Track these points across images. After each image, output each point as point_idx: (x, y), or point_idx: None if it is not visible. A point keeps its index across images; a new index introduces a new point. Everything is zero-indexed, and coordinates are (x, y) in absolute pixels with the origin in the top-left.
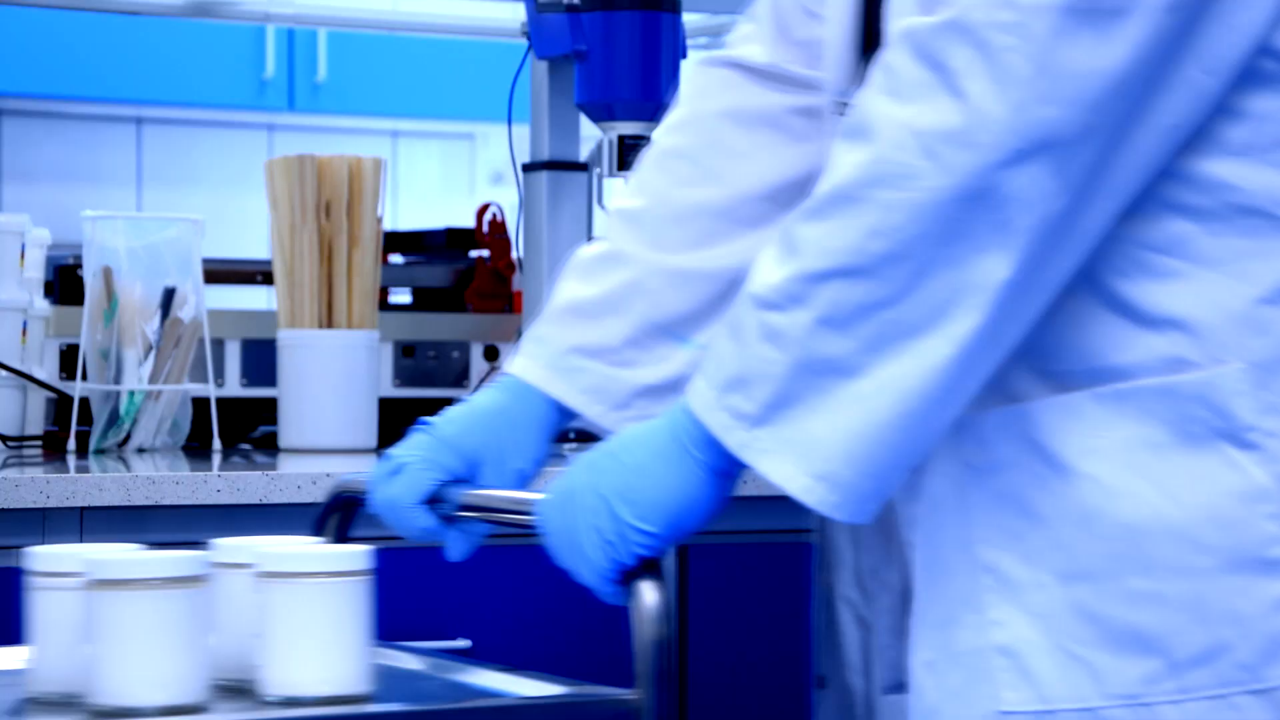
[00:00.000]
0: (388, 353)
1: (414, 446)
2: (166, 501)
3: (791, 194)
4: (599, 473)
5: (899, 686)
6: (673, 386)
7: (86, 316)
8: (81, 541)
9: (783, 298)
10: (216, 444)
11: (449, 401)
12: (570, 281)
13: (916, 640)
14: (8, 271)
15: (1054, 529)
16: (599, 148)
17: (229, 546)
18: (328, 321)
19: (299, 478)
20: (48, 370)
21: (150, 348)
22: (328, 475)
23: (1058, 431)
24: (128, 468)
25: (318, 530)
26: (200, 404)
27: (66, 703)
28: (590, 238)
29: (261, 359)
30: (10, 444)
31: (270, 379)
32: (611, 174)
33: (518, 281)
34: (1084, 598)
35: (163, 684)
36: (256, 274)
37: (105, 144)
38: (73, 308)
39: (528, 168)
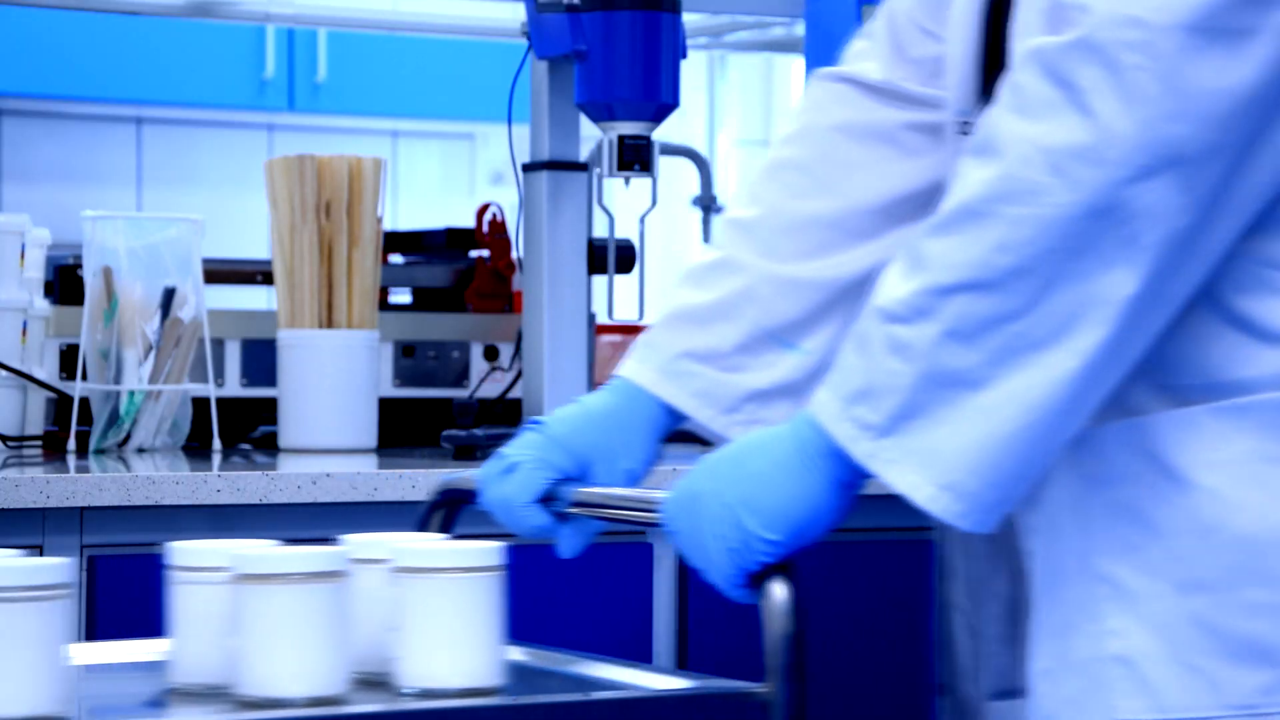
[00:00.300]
0: (388, 353)
1: (526, 445)
2: (166, 501)
3: (904, 208)
4: (723, 480)
5: (1006, 693)
6: (781, 392)
7: (86, 316)
8: (81, 541)
9: (909, 311)
10: (216, 444)
11: (449, 401)
12: (683, 288)
13: (1033, 648)
14: (8, 271)
15: (1172, 540)
16: (599, 148)
17: (363, 542)
18: (328, 321)
19: (299, 478)
20: (48, 370)
21: (150, 348)
22: (328, 475)
23: (1176, 445)
24: (128, 468)
25: (421, 527)
26: (200, 404)
27: (210, 694)
28: (590, 237)
29: (261, 359)
30: (10, 444)
31: (270, 379)
32: (611, 174)
33: (518, 281)
34: (1202, 608)
35: (307, 676)
36: (256, 274)
37: (105, 144)
38: (73, 308)
39: (528, 168)
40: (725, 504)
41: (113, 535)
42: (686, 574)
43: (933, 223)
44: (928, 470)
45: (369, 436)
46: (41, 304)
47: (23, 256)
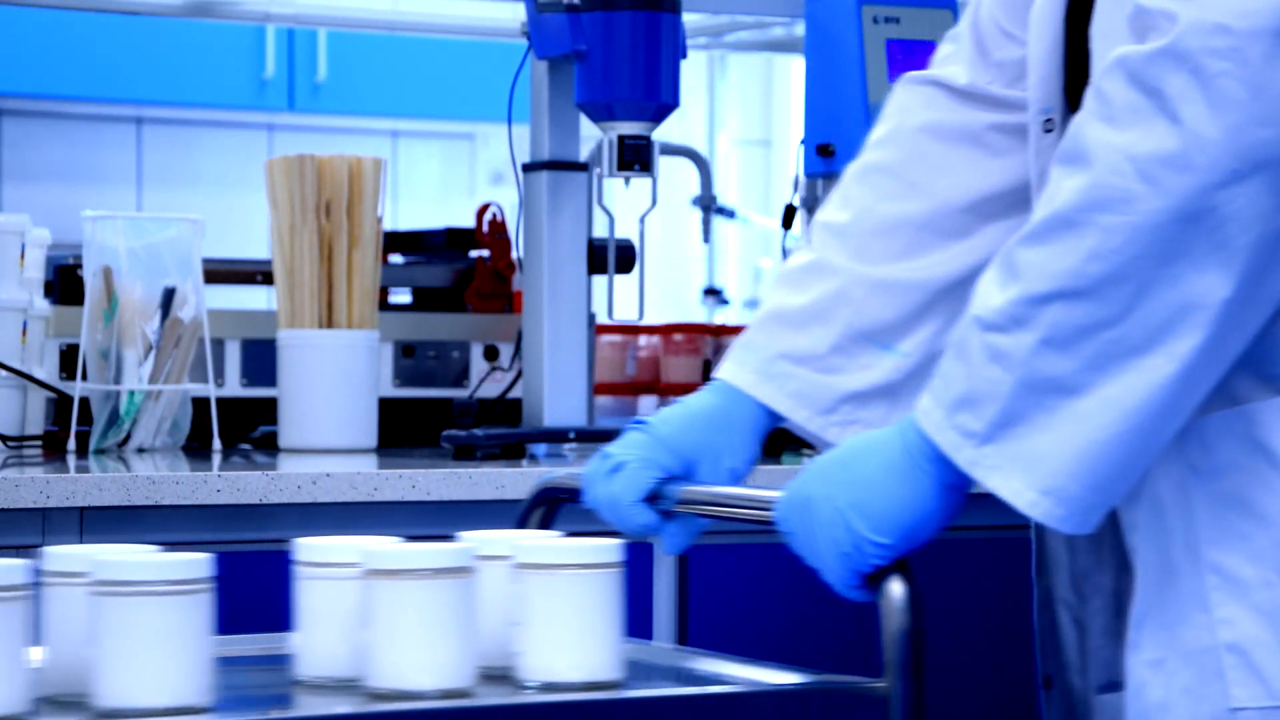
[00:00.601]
0: (388, 353)
1: (631, 445)
2: (166, 501)
3: (992, 207)
4: (833, 484)
5: (1113, 686)
6: (878, 393)
7: (86, 316)
8: (81, 541)
9: (1006, 320)
10: (216, 444)
11: (449, 402)
12: (778, 290)
13: (1140, 640)
14: (8, 271)
15: (1279, 528)
16: (599, 148)
17: (483, 539)
18: (328, 321)
19: (299, 478)
20: (48, 370)
21: (150, 348)
22: (328, 475)
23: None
24: (128, 468)
25: (521, 524)
26: (200, 404)
27: (339, 687)
28: (590, 237)
29: (261, 359)
30: (10, 444)
31: (270, 379)
32: (611, 174)
33: (518, 281)
34: None
35: (436, 669)
36: (256, 274)
37: (105, 144)
38: (73, 308)
39: (528, 168)
40: (836, 508)
41: (113, 535)
42: (686, 571)
43: (1026, 232)
44: (1029, 476)
45: (369, 436)
46: (41, 304)
47: (23, 256)
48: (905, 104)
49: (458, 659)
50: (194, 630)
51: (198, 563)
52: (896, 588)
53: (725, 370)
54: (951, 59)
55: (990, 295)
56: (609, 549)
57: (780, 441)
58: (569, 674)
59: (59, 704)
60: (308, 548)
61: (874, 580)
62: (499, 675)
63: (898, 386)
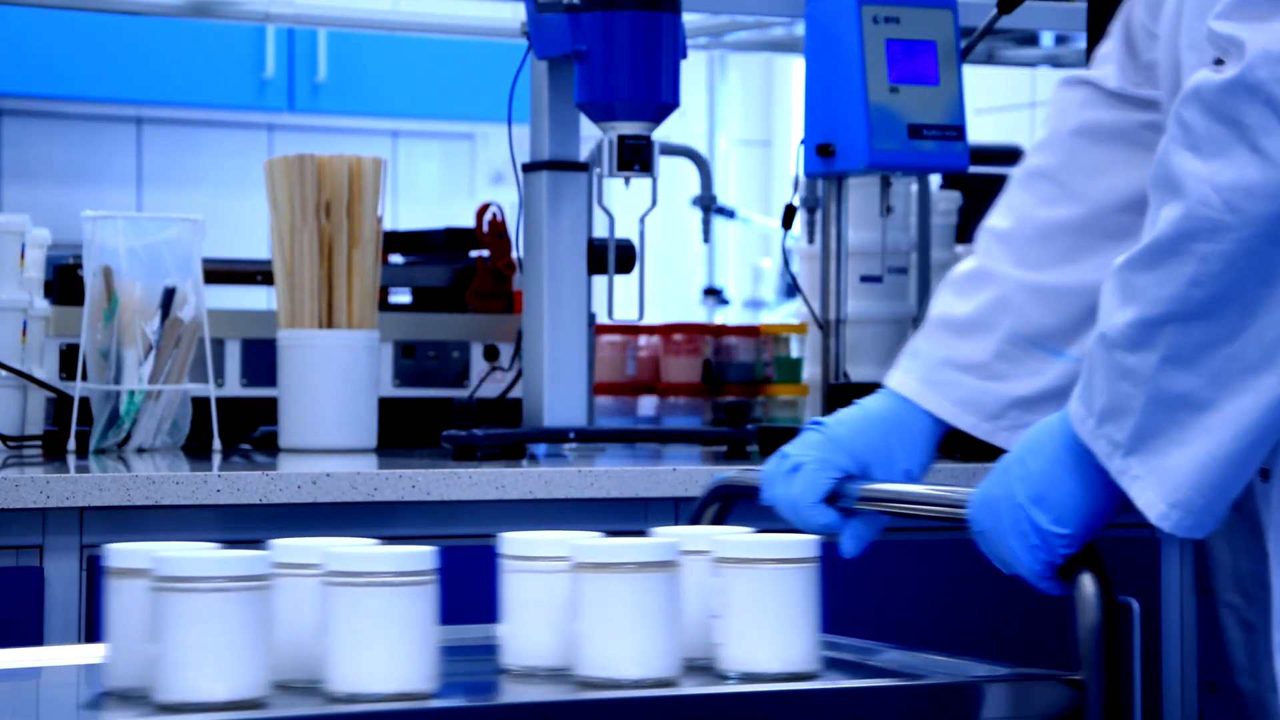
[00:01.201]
0: (388, 353)
1: (809, 446)
2: (166, 501)
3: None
4: (1012, 481)
5: None
6: (1047, 397)
7: (86, 316)
8: (81, 541)
9: (1129, 340)
10: (216, 444)
11: (449, 401)
12: (943, 296)
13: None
14: (8, 271)
15: None
16: (599, 148)
17: (683, 534)
18: (328, 321)
19: (299, 478)
20: (48, 370)
21: (150, 348)
22: (328, 475)
23: None
24: (128, 468)
25: (695, 520)
26: (200, 404)
27: (548, 676)
28: (590, 237)
29: (261, 359)
30: (10, 444)
31: (270, 379)
32: (611, 174)
33: (518, 281)
34: None
35: (643, 658)
36: (256, 274)
37: (105, 144)
38: (73, 308)
39: (528, 168)
40: (1018, 504)
41: (113, 535)
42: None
43: (1134, 257)
44: (1161, 488)
45: (369, 436)
46: (41, 304)
47: (23, 256)
48: (1063, 105)
49: (663, 649)
50: (421, 619)
51: (425, 554)
52: (1088, 585)
53: (894, 378)
54: (1106, 59)
55: (1112, 314)
56: (807, 544)
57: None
58: (769, 665)
59: (290, 690)
60: (515, 542)
61: (1065, 574)
62: (700, 666)
63: (1067, 390)
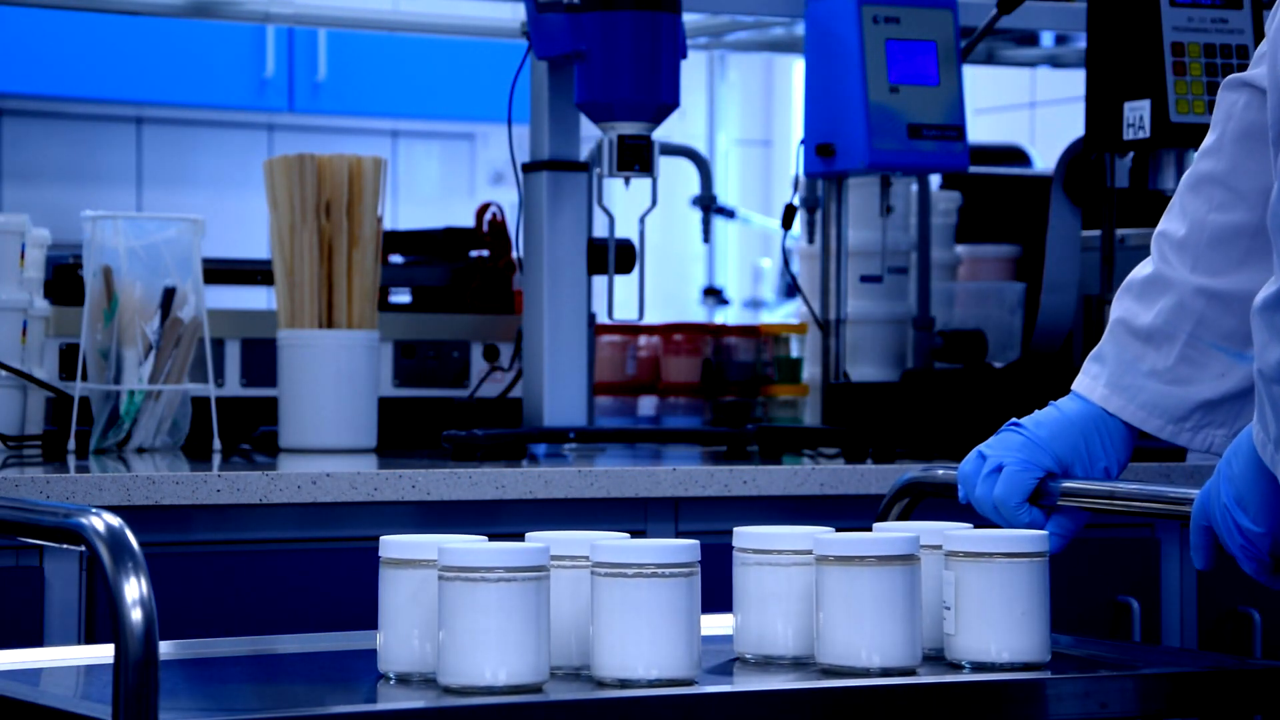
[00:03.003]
0: (388, 353)
1: (1010, 448)
2: (166, 501)
3: None
4: (1221, 481)
5: None
6: (1230, 398)
7: (86, 316)
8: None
9: None
10: (216, 444)
11: (449, 401)
12: (1123, 301)
13: None
14: (8, 271)
15: None
16: (599, 148)
17: (899, 528)
18: (328, 321)
19: (299, 478)
20: (48, 370)
21: (150, 348)
22: (328, 475)
23: None
24: (128, 468)
25: (881, 517)
26: (200, 404)
27: (791, 664)
28: (590, 237)
29: (261, 359)
30: (10, 444)
31: (270, 379)
32: (611, 174)
33: (518, 281)
34: None
35: (884, 648)
36: (256, 274)
37: (105, 144)
38: (73, 308)
39: (528, 168)
40: (1224, 504)
41: None
42: None
43: (1273, 295)
44: None
45: (369, 436)
46: (41, 304)
47: (23, 256)
48: (1226, 108)
49: (904, 639)
50: (686, 608)
51: (688, 547)
52: None
53: (1082, 383)
54: (1261, 58)
55: (1265, 350)
56: (1038, 539)
57: (781, 444)
58: (999, 655)
59: (557, 675)
60: (750, 536)
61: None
62: (931, 656)
63: (1249, 391)
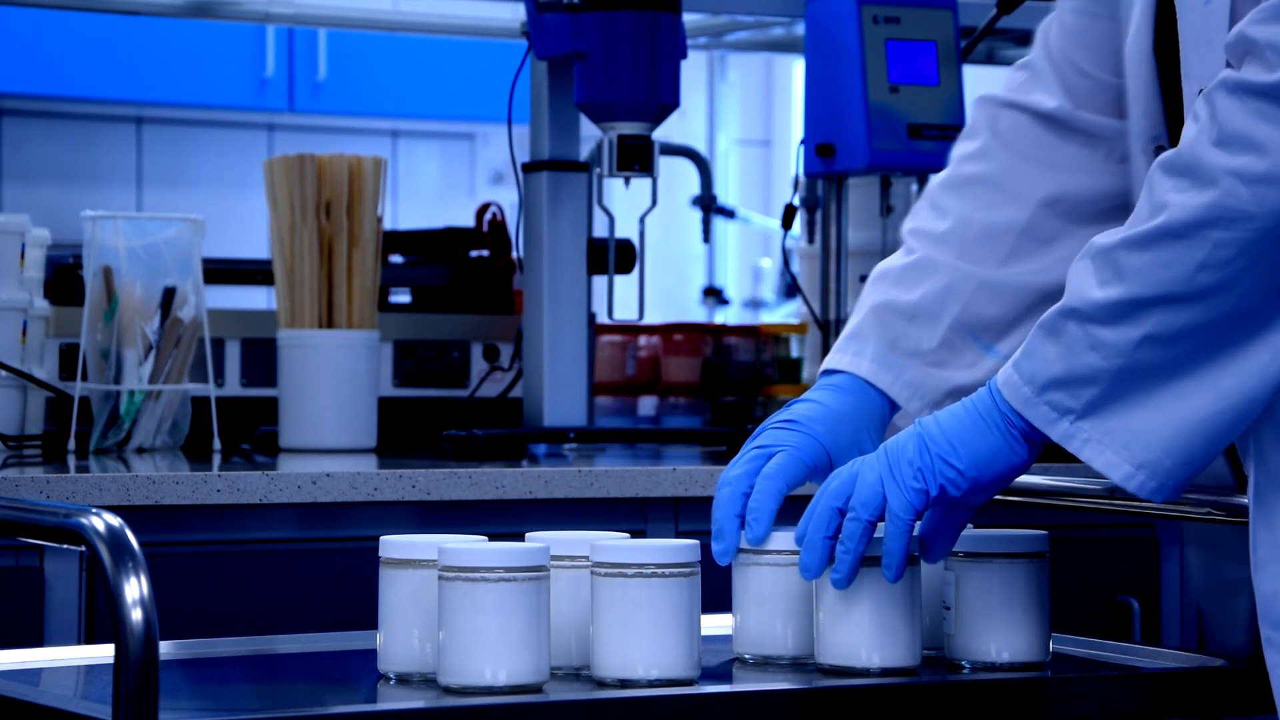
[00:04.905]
0: (388, 353)
1: (781, 441)
2: (166, 501)
3: (1083, 212)
4: (924, 425)
5: None
6: (974, 390)
7: (86, 316)
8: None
9: (1110, 316)
10: (216, 444)
11: (449, 401)
12: (879, 287)
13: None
14: (8, 271)
15: None
16: (599, 148)
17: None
18: (328, 321)
19: (299, 478)
20: (48, 370)
21: (150, 348)
22: (327, 475)
23: None
24: (128, 468)
25: None
26: (200, 404)
27: (795, 664)
28: (590, 237)
29: (261, 359)
30: (10, 444)
31: (270, 379)
32: (611, 174)
33: (518, 281)
34: None
35: (881, 648)
36: (256, 274)
37: (105, 144)
38: (73, 308)
39: (528, 168)
40: (918, 434)
41: None
42: None
43: (1131, 238)
44: (1126, 450)
45: (369, 436)
46: (41, 304)
47: (23, 256)
48: (989, 121)
49: (905, 640)
50: (686, 608)
51: (688, 547)
52: None
53: (840, 360)
54: (1030, 86)
55: (1089, 289)
56: (1038, 539)
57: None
58: (999, 655)
59: (557, 675)
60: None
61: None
62: (931, 656)
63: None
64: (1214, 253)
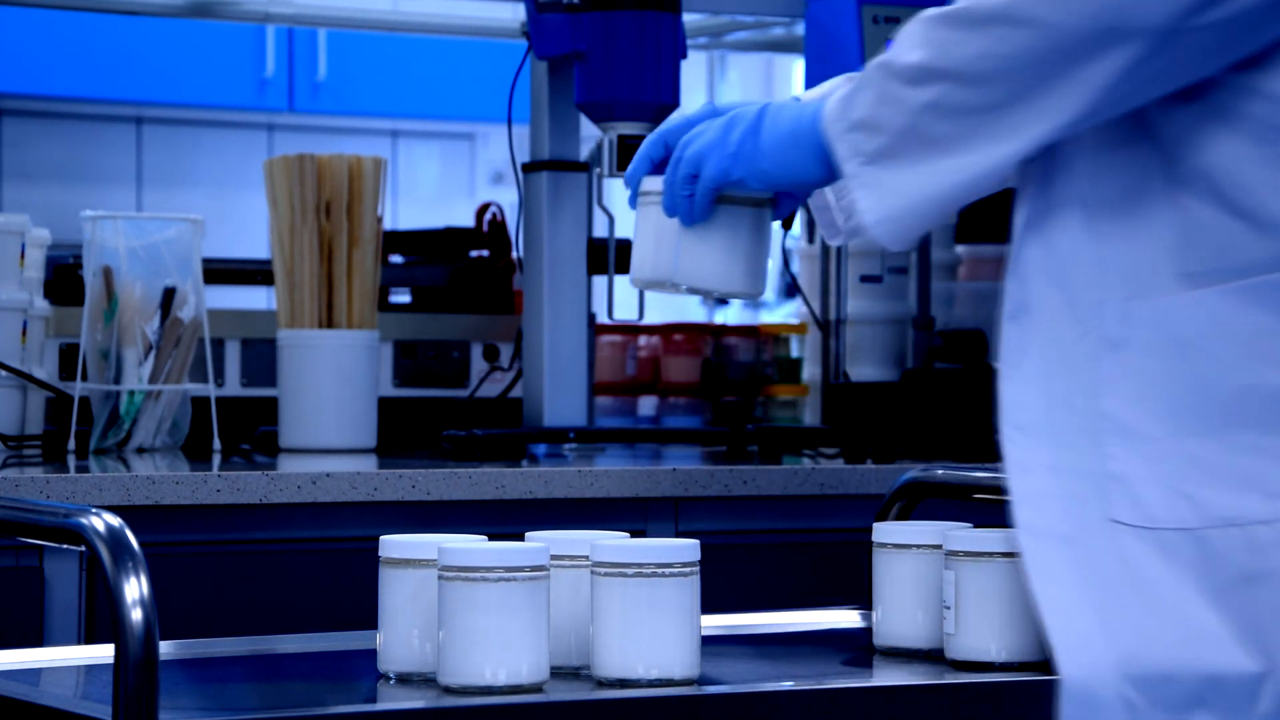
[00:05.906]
0: (388, 353)
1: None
2: (166, 501)
3: None
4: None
5: None
6: None
7: (86, 316)
8: None
9: (908, 76)
10: (216, 444)
11: (449, 401)
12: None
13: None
14: (8, 271)
15: (1178, 396)
16: (599, 148)
17: (924, 528)
18: (328, 321)
19: (299, 478)
20: (48, 370)
21: (150, 348)
22: (327, 475)
23: (1189, 320)
24: (128, 468)
25: (880, 517)
26: (200, 404)
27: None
28: (590, 237)
29: (261, 359)
30: (10, 444)
31: (270, 379)
32: (611, 174)
33: (518, 281)
34: (1195, 448)
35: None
36: (256, 274)
37: (105, 144)
38: (73, 308)
39: (528, 168)
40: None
41: None
42: None
43: (949, 12)
44: (884, 202)
45: (369, 436)
46: (41, 304)
47: (23, 256)
48: None
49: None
50: (686, 608)
51: (688, 547)
52: None
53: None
54: None
55: (905, 49)
56: None
57: (780, 444)
58: (999, 655)
59: (557, 674)
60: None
61: None
62: (931, 656)
63: None
64: (996, 45)
